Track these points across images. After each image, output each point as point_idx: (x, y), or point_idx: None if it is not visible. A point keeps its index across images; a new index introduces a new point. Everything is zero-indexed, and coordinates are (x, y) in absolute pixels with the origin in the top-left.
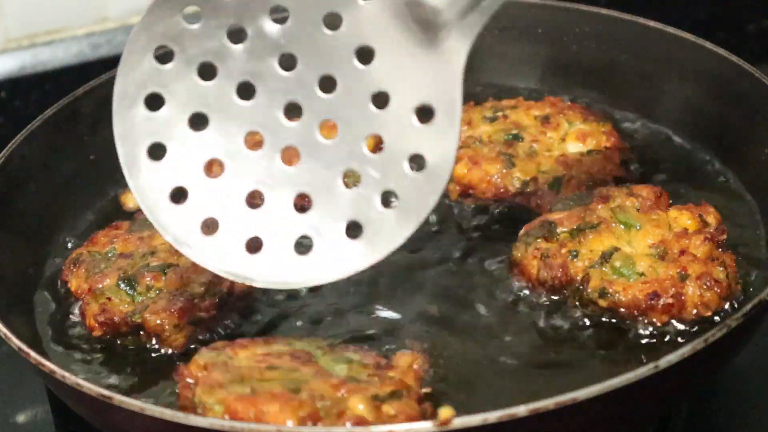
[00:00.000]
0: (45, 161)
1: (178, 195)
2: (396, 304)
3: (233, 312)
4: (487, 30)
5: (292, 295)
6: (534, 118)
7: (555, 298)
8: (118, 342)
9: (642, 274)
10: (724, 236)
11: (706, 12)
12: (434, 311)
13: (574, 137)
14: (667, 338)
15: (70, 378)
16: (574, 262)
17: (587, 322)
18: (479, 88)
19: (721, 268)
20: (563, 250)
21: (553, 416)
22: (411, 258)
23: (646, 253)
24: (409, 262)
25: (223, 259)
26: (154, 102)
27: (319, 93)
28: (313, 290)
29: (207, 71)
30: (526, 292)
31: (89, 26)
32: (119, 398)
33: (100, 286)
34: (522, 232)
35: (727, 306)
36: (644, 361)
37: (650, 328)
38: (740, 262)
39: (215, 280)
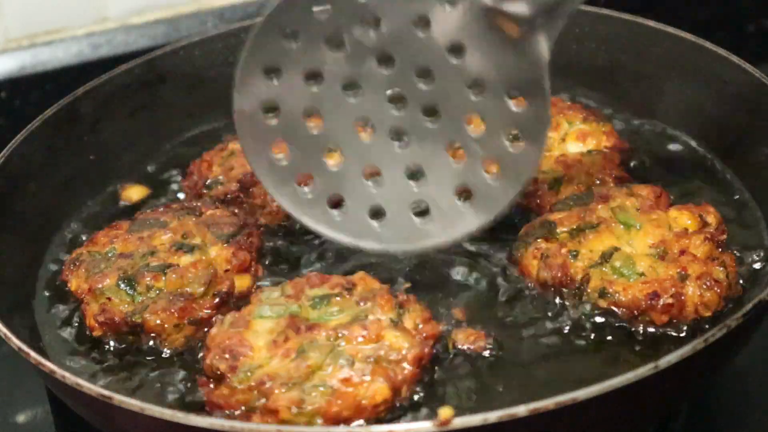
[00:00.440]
0: (45, 161)
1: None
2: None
3: (233, 311)
4: None
5: None
6: None
7: (555, 297)
8: (118, 342)
9: (642, 274)
10: (724, 236)
11: (706, 12)
12: (459, 315)
13: (574, 137)
14: (666, 338)
15: (70, 378)
16: (574, 262)
17: (587, 321)
18: None
19: (721, 268)
20: (563, 250)
21: (553, 416)
22: (412, 256)
23: (646, 253)
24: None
25: (353, 230)
26: (271, 111)
27: (419, 84)
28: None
29: (314, 77)
30: (526, 291)
31: (89, 26)
32: (119, 398)
33: (100, 286)
34: (522, 232)
35: (727, 306)
36: (644, 361)
37: (650, 328)
38: (740, 262)
39: (215, 280)
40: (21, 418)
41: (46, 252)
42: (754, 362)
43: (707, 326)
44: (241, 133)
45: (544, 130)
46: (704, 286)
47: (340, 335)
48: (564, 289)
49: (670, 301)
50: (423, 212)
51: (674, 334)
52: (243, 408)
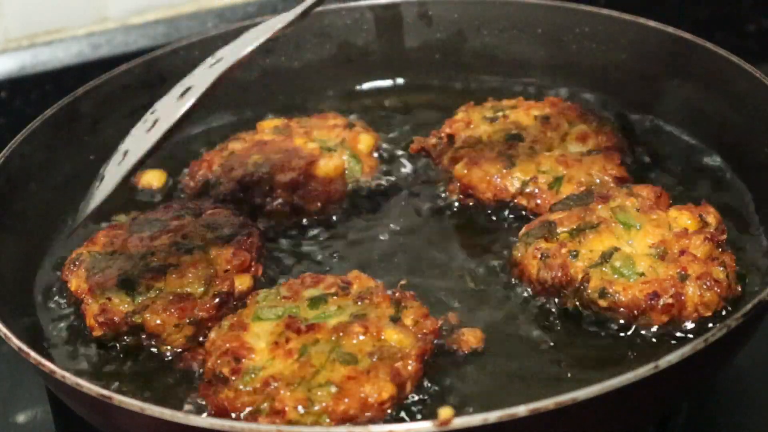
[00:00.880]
0: (45, 161)
1: None
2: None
3: (230, 315)
4: (487, 30)
5: None
6: (534, 118)
7: (555, 297)
8: (118, 342)
9: (642, 274)
10: (724, 236)
11: (706, 12)
12: (453, 320)
13: (574, 137)
14: (666, 338)
15: (70, 378)
16: (574, 262)
17: (587, 321)
18: (479, 87)
19: (722, 268)
20: (563, 250)
21: (553, 416)
22: (412, 257)
23: (646, 253)
24: (409, 261)
25: None
26: None
27: None
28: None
29: None
30: (527, 292)
31: (89, 26)
32: (119, 398)
33: (100, 286)
34: (522, 232)
35: (726, 306)
36: (644, 361)
37: (650, 328)
38: (740, 262)
39: (215, 280)
40: (21, 418)
41: (46, 252)
42: (754, 362)
43: (708, 326)
44: None
45: None
46: (704, 286)
47: (340, 334)
48: (564, 289)
49: (670, 301)
50: None
51: (674, 333)
52: (248, 410)
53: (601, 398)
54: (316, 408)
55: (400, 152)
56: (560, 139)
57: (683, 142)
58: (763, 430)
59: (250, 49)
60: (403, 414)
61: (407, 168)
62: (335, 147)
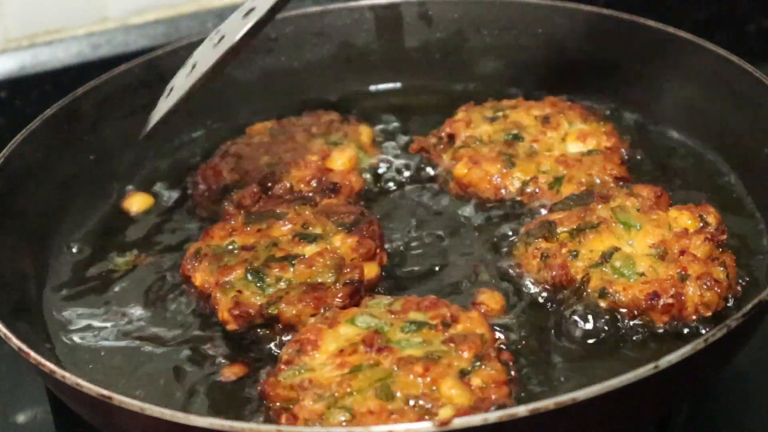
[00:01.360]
0: (45, 161)
1: None
2: None
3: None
4: (488, 30)
5: None
6: (534, 118)
7: (555, 297)
8: (249, 334)
9: (642, 274)
10: (725, 236)
11: (706, 12)
12: None
13: (574, 137)
14: (667, 338)
15: (70, 378)
16: (574, 262)
17: (587, 321)
18: (479, 87)
19: (722, 268)
20: (563, 250)
21: (553, 416)
22: (413, 257)
23: (646, 253)
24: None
25: None
26: None
27: None
28: None
29: None
30: (527, 291)
31: (89, 26)
32: (119, 398)
33: (229, 278)
34: (522, 231)
35: (727, 306)
36: (643, 361)
37: (650, 328)
38: (740, 262)
39: (345, 268)
40: (21, 418)
41: (46, 252)
42: (754, 362)
43: (708, 326)
44: None
45: None
46: (704, 286)
47: (402, 366)
48: (564, 289)
49: (670, 301)
50: None
51: (674, 333)
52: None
53: (601, 398)
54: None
55: (399, 152)
56: (560, 139)
57: (683, 142)
58: (763, 431)
59: None
60: None
61: (407, 168)
62: (340, 140)
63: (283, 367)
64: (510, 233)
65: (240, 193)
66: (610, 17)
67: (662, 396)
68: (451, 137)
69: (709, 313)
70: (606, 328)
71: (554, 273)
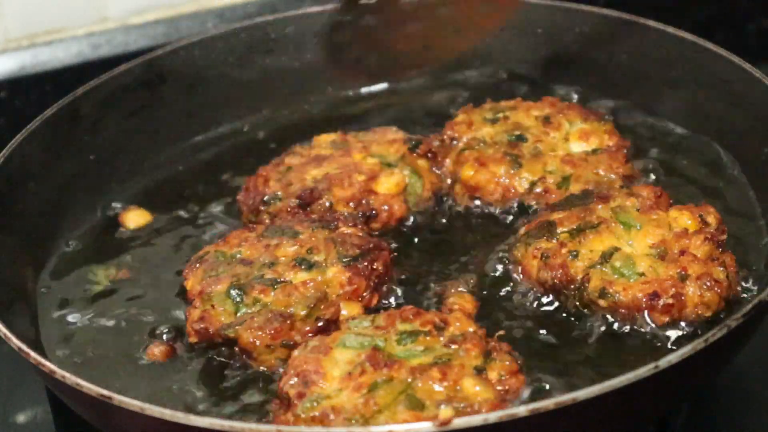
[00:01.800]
0: (45, 161)
1: None
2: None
3: (320, 335)
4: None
5: None
6: (535, 119)
7: (555, 298)
8: (213, 350)
9: (642, 274)
10: (724, 236)
11: (706, 12)
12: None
13: (576, 137)
14: (667, 339)
15: (70, 378)
16: (574, 262)
17: (587, 322)
18: (479, 87)
19: (722, 268)
20: (563, 250)
21: (553, 416)
22: (420, 260)
23: (646, 253)
24: (418, 263)
25: None
26: None
27: None
28: None
29: None
30: (529, 292)
31: (89, 26)
32: (119, 398)
33: (211, 290)
34: (522, 232)
35: (726, 306)
36: (643, 361)
37: (650, 329)
38: (741, 262)
39: (320, 303)
40: (21, 418)
41: (46, 252)
42: (754, 362)
43: (707, 326)
44: None
45: None
46: (705, 286)
47: (417, 376)
48: (564, 290)
49: (670, 301)
50: None
51: (674, 333)
52: None
53: (601, 398)
54: None
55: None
56: (563, 138)
57: (683, 142)
58: (763, 430)
59: None
60: None
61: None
62: (395, 163)
63: (296, 402)
64: (511, 234)
65: (277, 206)
66: (610, 17)
67: (662, 396)
68: (453, 139)
69: (710, 314)
70: (606, 328)
71: (554, 273)
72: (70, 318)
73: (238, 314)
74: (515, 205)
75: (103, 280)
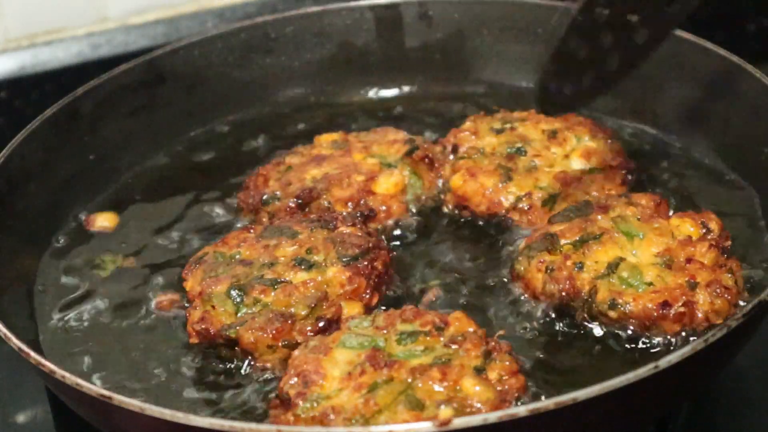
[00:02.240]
0: (45, 161)
1: None
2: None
3: (320, 335)
4: (488, 30)
5: None
6: (542, 132)
7: (560, 311)
8: (215, 350)
9: (651, 284)
10: (729, 242)
11: (706, 12)
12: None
13: (578, 153)
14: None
15: (70, 378)
16: (580, 274)
17: (596, 334)
18: (479, 87)
19: (729, 275)
20: (568, 262)
21: (553, 416)
22: (404, 267)
23: (652, 262)
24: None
25: None
26: None
27: None
28: None
29: None
30: (530, 306)
31: (89, 26)
32: (119, 398)
33: (210, 291)
34: (523, 245)
35: (736, 312)
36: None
37: (660, 338)
38: (743, 264)
39: (321, 303)
40: (21, 418)
41: (46, 252)
42: (754, 362)
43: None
44: None
45: None
46: (715, 293)
47: (417, 376)
48: (571, 302)
49: (681, 309)
50: None
51: (684, 343)
52: None
53: (601, 398)
54: None
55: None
56: (563, 155)
57: (682, 143)
58: (763, 430)
59: None
60: None
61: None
62: (395, 163)
63: (298, 402)
64: (503, 248)
65: (276, 205)
66: None
67: (662, 396)
68: (456, 147)
69: (720, 321)
70: (615, 340)
71: (561, 286)
72: (71, 318)
73: (239, 315)
74: (501, 218)
75: (104, 279)
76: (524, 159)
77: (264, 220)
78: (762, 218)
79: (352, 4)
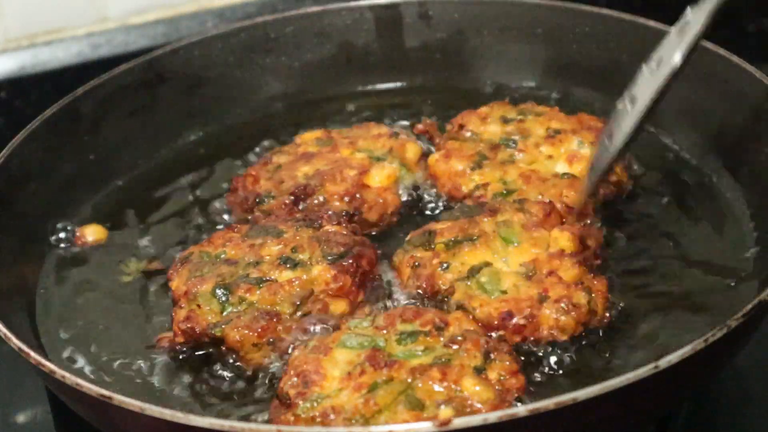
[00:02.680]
0: (45, 161)
1: None
2: None
3: (319, 335)
4: (488, 30)
5: None
6: (546, 130)
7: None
8: (200, 350)
9: (504, 292)
10: (599, 261)
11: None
12: None
13: (564, 157)
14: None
15: (70, 378)
16: (443, 274)
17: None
18: (479, 87)
19: (584, 293)
20: (434, 261)
21: (553, 416)
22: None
23: (515, 271)
24: None
25: None
26: None
27: None
28: None
29: None
30: (399, 294)
31: (89, 26)
32: (119, 398)
33: (197, 290)
34: (408, 238)
35: (586, 332)
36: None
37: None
38: (737, 263)
39: (306, 301)
40: (21, 418)
41: (46, 252)
42: (754, 362)
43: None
44: None
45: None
46: (561, 310)
47: (417, 376)
48: (430, 300)
49: (522, 321)
50: None
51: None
52: None
53: (601, 398)
54: None
55: None
56: (548, 155)
57: (682, 143)
58: (763, 430)
59: None
60: None
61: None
62: (384, 156)
63: (298, 402)
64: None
65: (272, 203)
66: (610, 17)
67: (662, 396)
68: (462, 128)
69: (565, 338)
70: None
71: (420, 283)
72: (71, 318)
73: (224, 313)
74: (460, 203)
75: (104, 279)
76: (508, 151)
77: (260, 220)
78: (750, 215)
79: (352, 4)
